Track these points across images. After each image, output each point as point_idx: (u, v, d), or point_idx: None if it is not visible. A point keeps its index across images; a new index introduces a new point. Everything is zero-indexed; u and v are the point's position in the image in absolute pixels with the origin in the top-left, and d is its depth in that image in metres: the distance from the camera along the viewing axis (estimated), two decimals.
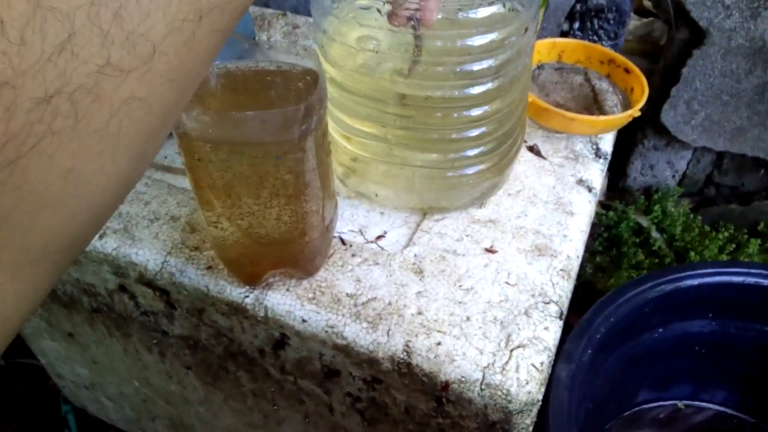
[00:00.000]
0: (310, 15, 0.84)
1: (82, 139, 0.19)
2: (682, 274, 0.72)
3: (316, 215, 0.44)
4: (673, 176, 1.08)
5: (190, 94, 0.23)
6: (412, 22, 0.41)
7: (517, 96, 0.48)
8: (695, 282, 0.73)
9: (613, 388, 0.75)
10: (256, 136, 0.37)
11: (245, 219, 0.42)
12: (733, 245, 1.01)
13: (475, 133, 0.49)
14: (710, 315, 0.76)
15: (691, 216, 1.06)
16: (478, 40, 0.43)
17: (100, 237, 0.53)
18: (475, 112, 0.47)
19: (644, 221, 1.06)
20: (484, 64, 0.43)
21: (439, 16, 0.41)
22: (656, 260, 1.03)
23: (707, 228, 1.04)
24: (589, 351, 0.65)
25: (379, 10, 0.41)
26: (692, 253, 1.00)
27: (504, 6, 0.41)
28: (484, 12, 0.41)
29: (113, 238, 0.53)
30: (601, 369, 0.70)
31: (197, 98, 0.40)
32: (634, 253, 1.03)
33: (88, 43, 0.18)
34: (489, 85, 0.45)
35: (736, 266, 0.73)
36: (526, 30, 0.44)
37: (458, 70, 0.43)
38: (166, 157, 0.61)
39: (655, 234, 1.04)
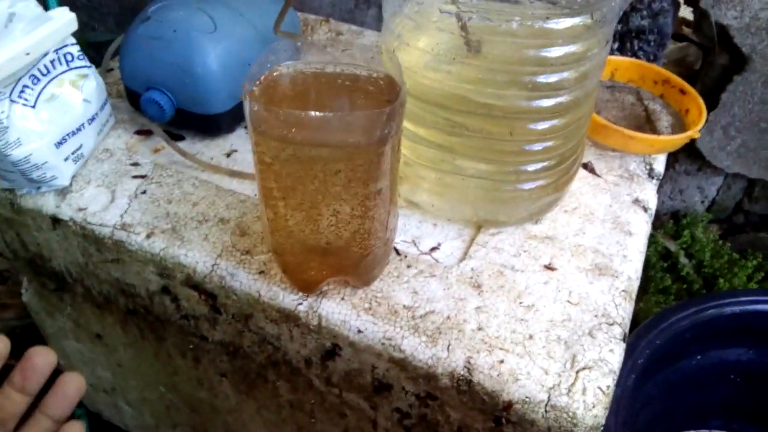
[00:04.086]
0: (347, 22, 0.83)
1: None
2: (724, 301, 0.71)
3: (381, 223, 0.43)
4: (702, 202, 1.07)
5: None
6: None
7: (587, 110, 0.47)
8: (736, 309, 0.71)
9: (652, 416, 0.73)
10: (338, 137, 0.36)
11: (312, 222, 0.41)
12: (762, 274, 1.00)
13: (539, 147, 0.48)
14: (748, 343, 0.75)
15: (720, 242, 1.05)
16: (556, 52, 0.42)
17: (148, 236, 0.51)
18: (542, 126, 0.46)
19: (672, 246, 1.04)
20: (563, 76, 0.42)
21: (515, 26, 0.40)
22: (684, 286, 1.02)
23: (736, 255, 1.03)
24: (633, 375, 0.63)
25: (459, 17, 0.41)
26: (721, 280, 0.98)
27: (591, 17, 0.39)
28: (565, 23, 0.40)
29: (161, 238, 0.51)
30: (641, 394, 0.68)
31: (270, 100, 0.39)
32: (662, 278, 1.02)
33: None
34: (563, 98, 0.44)
35: None
36: (607, 42, 0.43)
37: (534, 80, 0.42)
38: (212, 159, 0.60)
39: (683, 259, 1.03)
